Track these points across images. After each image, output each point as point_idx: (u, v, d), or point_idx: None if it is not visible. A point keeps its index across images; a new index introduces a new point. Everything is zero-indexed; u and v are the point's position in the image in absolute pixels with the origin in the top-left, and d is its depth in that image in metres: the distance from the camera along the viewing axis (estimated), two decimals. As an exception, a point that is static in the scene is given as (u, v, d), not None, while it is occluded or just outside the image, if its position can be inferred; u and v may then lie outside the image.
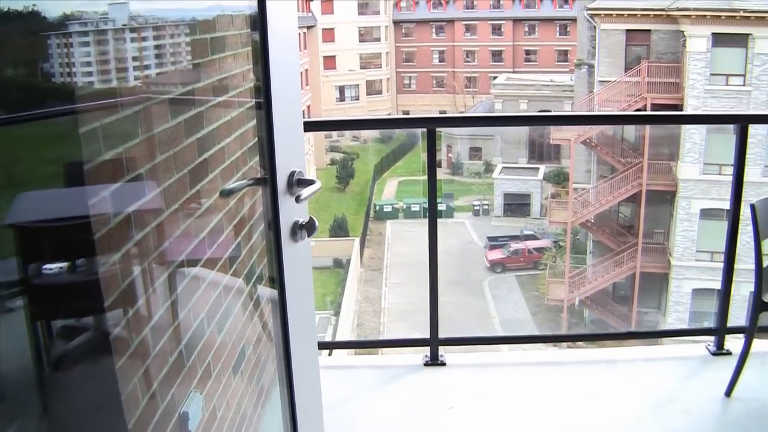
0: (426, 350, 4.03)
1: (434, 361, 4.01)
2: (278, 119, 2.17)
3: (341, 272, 32.23)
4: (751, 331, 3.60)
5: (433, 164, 3.83)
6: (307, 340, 2.54)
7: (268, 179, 2.20)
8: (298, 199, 2.23)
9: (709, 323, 26.57)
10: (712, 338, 4.22)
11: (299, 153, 2.42)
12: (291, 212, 2.29)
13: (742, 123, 4.06)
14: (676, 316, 26.53)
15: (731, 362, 3.83)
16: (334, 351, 5.50)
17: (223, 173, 2.15)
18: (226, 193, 2.17)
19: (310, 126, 4.25)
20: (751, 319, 3.57)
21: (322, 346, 3.80)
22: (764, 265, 3.52)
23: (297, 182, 2.29)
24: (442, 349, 4.03)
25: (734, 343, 4.17)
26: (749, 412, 3.64)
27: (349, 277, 30.93)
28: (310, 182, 2.32)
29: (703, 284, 26.12)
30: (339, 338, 25.81)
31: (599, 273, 28.47)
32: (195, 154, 1.94)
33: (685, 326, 26.39)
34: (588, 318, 29.75)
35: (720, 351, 4.14)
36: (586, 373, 4.01)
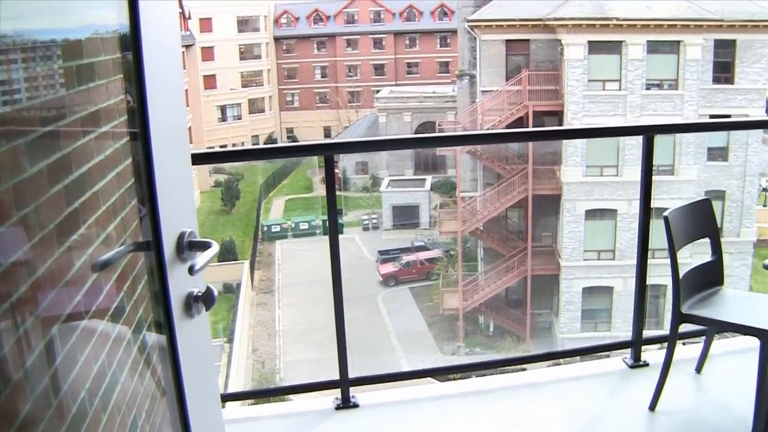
0: (336, 391, 3.74)
1: (346, 403, 3.72)
2: (161, 164, 1.83)
3: (232, 297, 31.65)
4: (671, 343, 3.56)
5: (333, 195, 3.57)
6: (208, 412, 2.22)
7: (152, 244, 1.86)
8: (191, 271, 1.88)
9: (601, 319, 27.22)
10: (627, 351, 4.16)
11: (188, 204, 2.07)
12: (183, 282, 1.93)
13: (648, 134, 4.02)
14: (568, 315, 27.21)
15: (650, 374, 3.84)
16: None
17: (99, 221, 1.80)
18: (100, 267, 1.80)
19: (199, 159, 3.92)
20: (671, 331, 3.54)
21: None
22: (680, 276, 3.45)
23: (189, 245, 1.93)
24: (353, 389, 3.75)
25: (650, 354, 4.14)
26: (675, 425, 3.61)
27: (241, 302, 30.40)
28: (206, 245, 1.96)
29: (592, 282, 26.91)
30: (234, 367, 25.23)
31: (492, 279, 28.86)
32: (63, 204, 1.60)
33: (577, 325, 27.09)
34: (484, 324, 30.09)
35: (637, 363, 4.10)
36: (507, 401, 3.83)
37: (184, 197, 2.05)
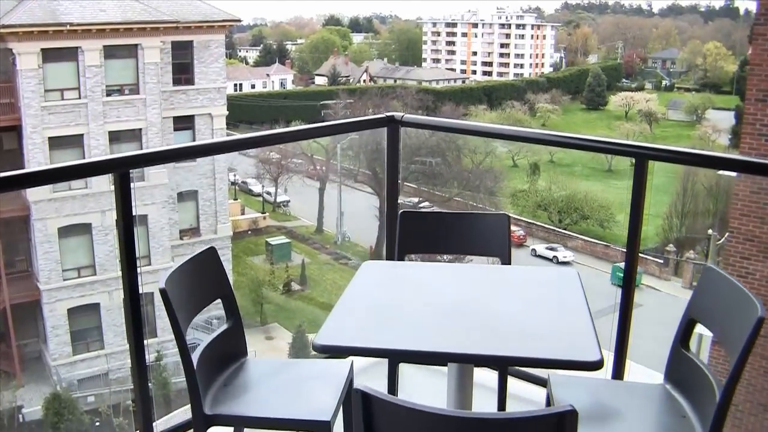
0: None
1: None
2: None
3: None
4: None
5: None
6: None
7: None
8: None
9: (92, 338, 26.32)
10: None
11: None
12: None
13: (120, 170, 3.23)
14: (57, 340, 26.10)
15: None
16: None
17: None
18: None
19: None
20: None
21: None
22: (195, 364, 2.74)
23: None
24: None
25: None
26: None
27: None
28: None
29: (76, 302, 26.05)
30: None
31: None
32: None
33: (68, 349, 25.79)
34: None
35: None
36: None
37: None
